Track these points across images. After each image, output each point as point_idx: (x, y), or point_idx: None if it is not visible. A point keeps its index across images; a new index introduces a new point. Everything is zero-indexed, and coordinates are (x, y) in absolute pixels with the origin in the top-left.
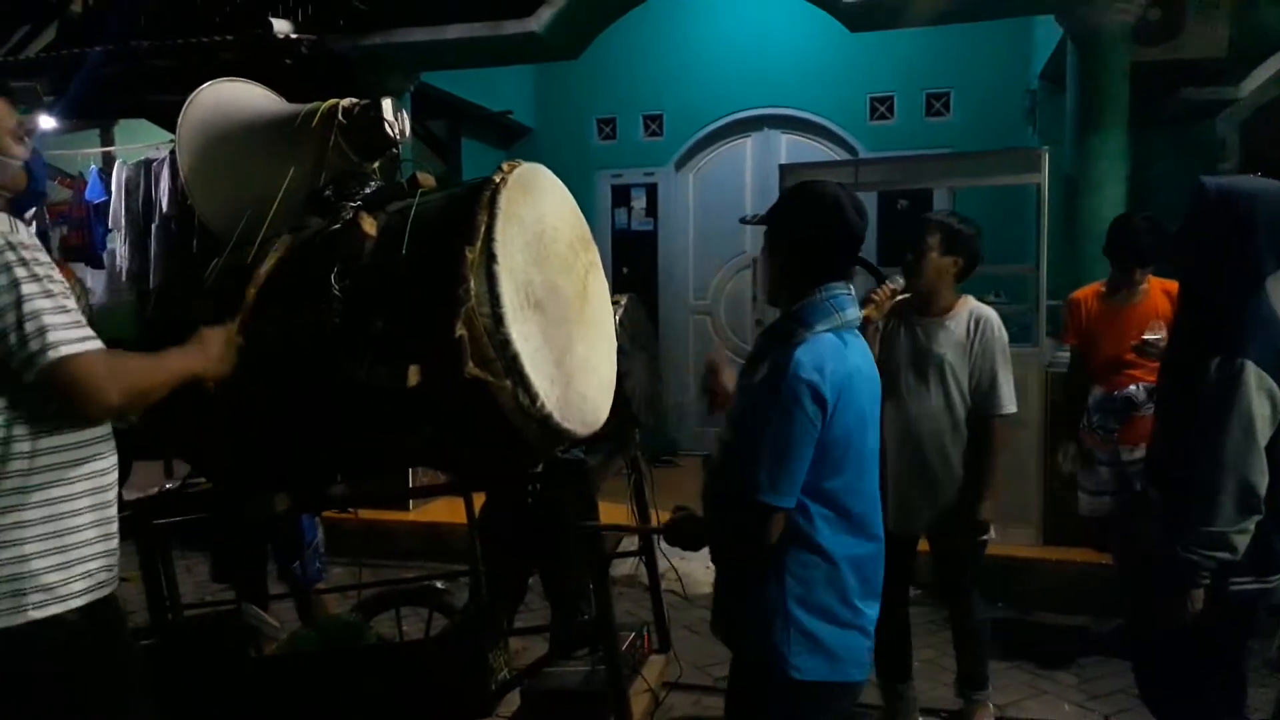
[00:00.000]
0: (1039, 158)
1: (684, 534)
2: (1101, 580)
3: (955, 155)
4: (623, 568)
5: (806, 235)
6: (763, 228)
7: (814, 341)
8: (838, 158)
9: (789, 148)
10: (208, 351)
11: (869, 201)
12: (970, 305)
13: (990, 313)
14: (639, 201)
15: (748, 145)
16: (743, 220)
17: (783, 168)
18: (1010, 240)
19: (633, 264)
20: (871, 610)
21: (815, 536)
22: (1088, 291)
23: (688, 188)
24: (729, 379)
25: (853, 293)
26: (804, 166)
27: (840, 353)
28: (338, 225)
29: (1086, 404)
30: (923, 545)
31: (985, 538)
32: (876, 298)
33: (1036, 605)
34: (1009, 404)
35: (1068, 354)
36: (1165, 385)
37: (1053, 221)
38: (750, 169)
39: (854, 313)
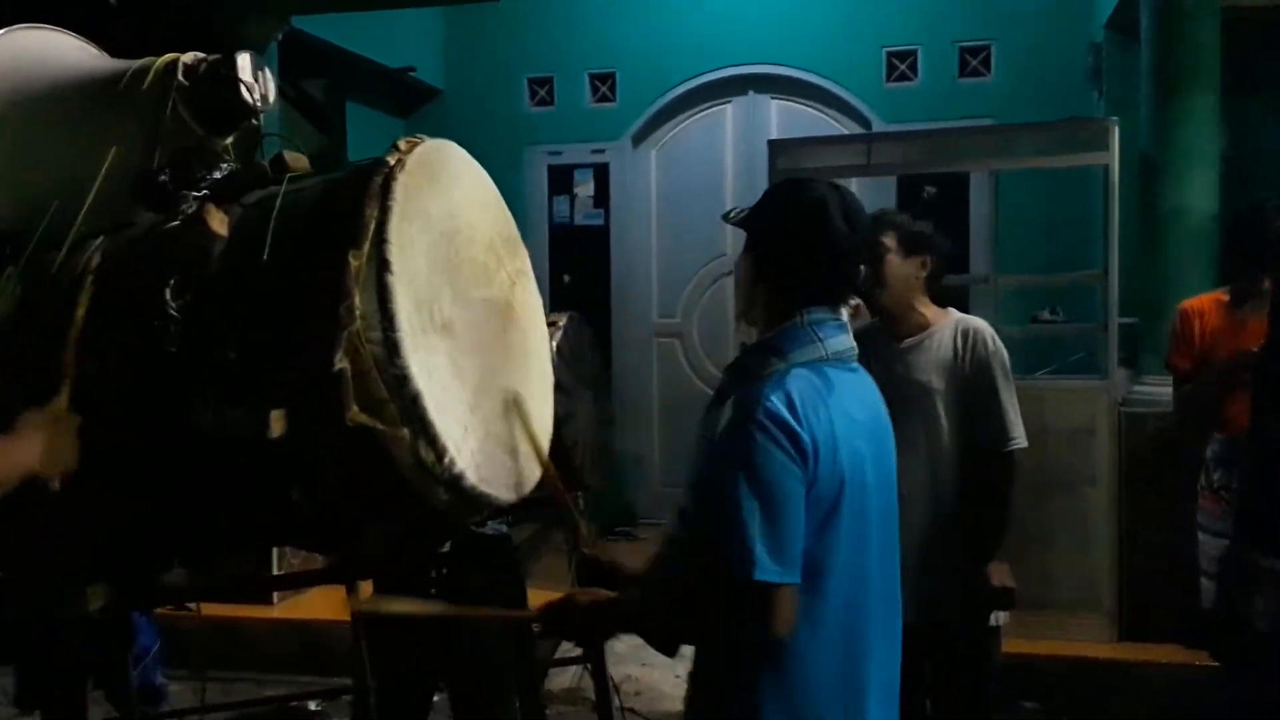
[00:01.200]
0: (1106, 131)
1: (568, 621)
2: (1196, 686)
3: (997, 128)
4: (562, 679)
5: (783, 247)
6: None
7: (787, 377)
8: (845, 131)
9: (781, 118)
10: (33, 448)
11: (885, 189)
12: (954, 317)
13: (980, 323)
14: (585, 187)
15: (727, 114)
16: (726, 218)
17: (773, 145)
18: (1069, 240)
19: (577, 271)
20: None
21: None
22: (1205, 302)
23: (649, 169)
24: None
25: (845, 319)
26: (800, 143)
27: (819, 394)
28: (176, 222)
29: (1205, 455)
30: None
31: (997, 614)
32: None
33: None
34: (1016, 435)
35: (1156, 389)
36: (1265, 423)
37: (1125, 214)
38: (731, 145)
39: (843, 343)
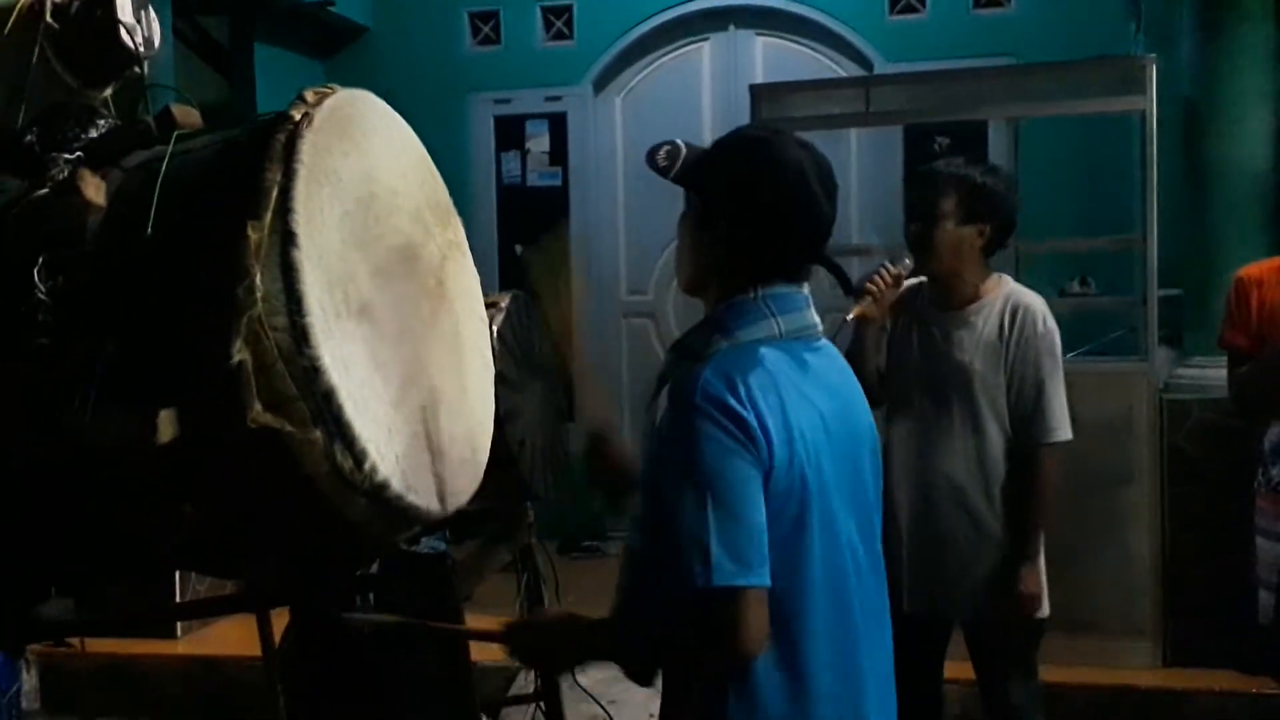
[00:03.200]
0: (1143, 71)
1: (535, 642)
2: (1257, 716)
3: (1018, 69)
4: None
5: (748, 216)
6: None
7: (729, 353)
8: (841, 73)
9: (767, 58)
10: None
11: (890, 139)
12: (1005, 290)
13: (1034, 300)
14: (538, 142)
15: (704, 54)
16: (653, 162)
17: (756, 90)
18: (1102, 199)
19: (531, 240)
20: None
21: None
22: (1264, 269)
23: (614, 119)
24: (626, 452)
25: (806, 290)
26: (788, 87)
27: (769, 374)
28: (45, 190)
29: (1260, 448)
30: None
31: (1038, 615)
32: (874, 287)
33: None
34: (1060, 428)
35: (1203, 371)
36: None
37: (1165, 169)
38: (709, 90)
39: (802, 320)
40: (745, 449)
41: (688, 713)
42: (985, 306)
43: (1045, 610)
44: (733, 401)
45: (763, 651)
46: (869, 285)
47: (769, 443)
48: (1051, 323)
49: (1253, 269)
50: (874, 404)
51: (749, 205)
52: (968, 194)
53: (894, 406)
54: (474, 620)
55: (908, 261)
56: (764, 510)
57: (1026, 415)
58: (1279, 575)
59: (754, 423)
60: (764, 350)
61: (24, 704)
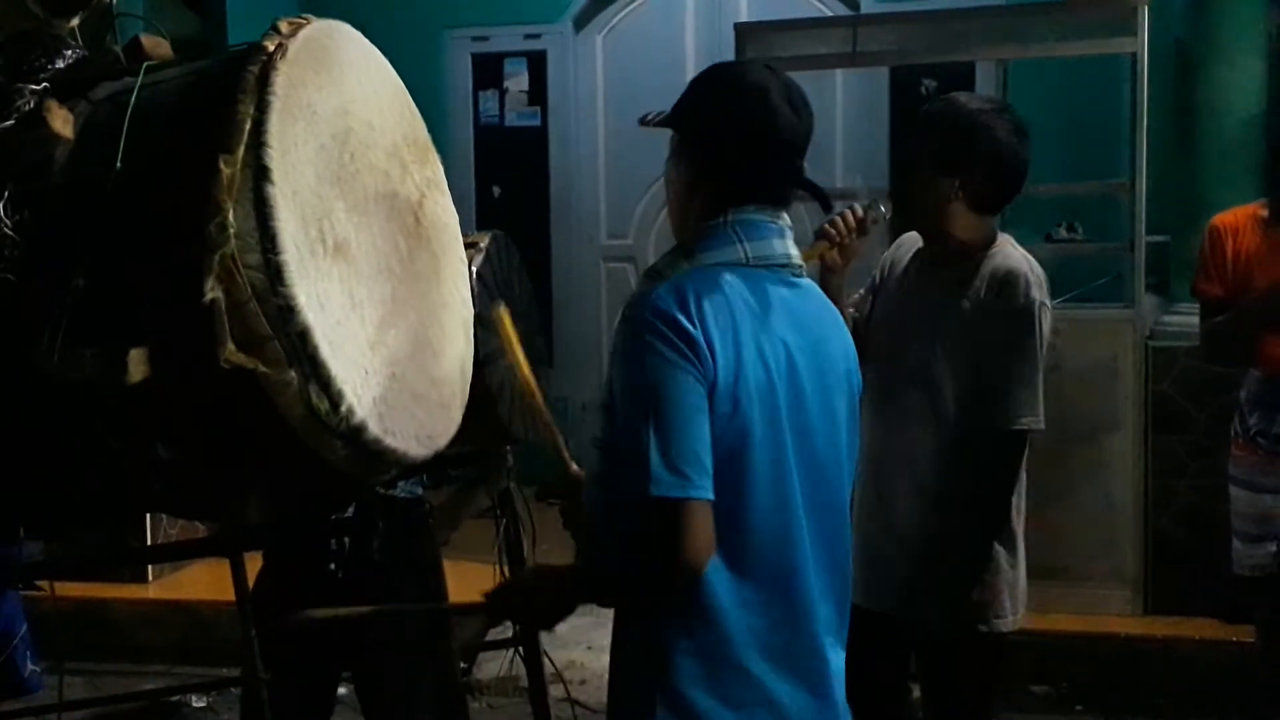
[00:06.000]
0: (1135, 12)
1: (519, 603)
2: (1235, 667)
3: (1008, 10)
4: (493, 665)
5: (714, 140)
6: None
7: (688, 274)
8: (827, 12)
9: None
10: None
11: (876, 81)
12: (996, 258)
13: (1020, 268)
14: (517, 81)
15: None
16: (644, 121)
17: (741, 29)
18: (1090, 143)
19: (508, 181)
20: (781, 687)
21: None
22: (1239, 216)
23: (594, 59)
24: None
25: (783, 221)
26: (773, 27)
27: (724, 296)
28: (10, 122)
29: (1238, 396)
30: None
31: (981, 628)
32: (832, 230)
33: (1138, 706)
34: (1023, 415)
35: (1189, 318)
36: None
37: (1155, 113)
38: (692, 30)
39: (771, 248)
40: (690, 364)
41: (636, 628)
42: (971, 271)
43: (1003, 623)
44: (680, 317)
45: (707, 563)
46: (826, 227)
47: (714, 362)
48: (1037, 294)
49: (1227, 216)
50: None
51: (709, 123)
52: (949, 138)
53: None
54: (451, 566)
55: (883, 208)
56: (708, 425)
57: (988, 395)
58: (1255, 525)
59: (700, 340)
60: (725, 274)
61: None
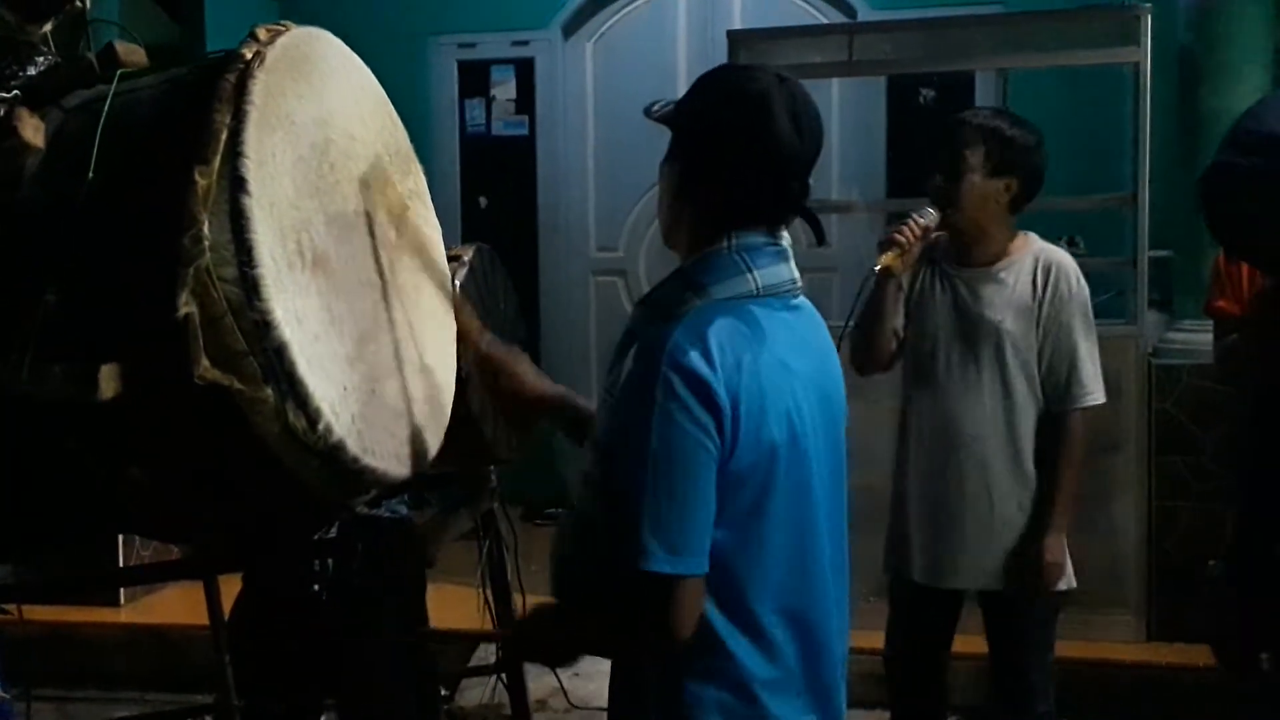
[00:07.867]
0: (1138, 21)
1: (542, 640)
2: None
3: (1008, 18)
4: (475, 692)
5: (711, 151)
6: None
7: (704, 313)
8: (823, 19)
9: (745, 3)
10: None
11: (873, 90)
12: (1034, 248)
13: (1063, 259)
14: (504, 89)
15: None
16: (649, 112)
17: (734, 36)
18: (1092, 155)
19: (495, 192)
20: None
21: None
22: None
23: (584, 67)
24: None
25: (784, 245)
26: (767, 34)
27: (747, 340)
28: None
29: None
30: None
31: (1061, 587)
32: (902, 238)
33: None
34: (1094, 390)
35: (1194, 335)
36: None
37: (1158, 125)
38: (684, 37)
39: (779, 275)
40: (706, 435)
41: (653, 676)
42: (1015, 264)
43: (1070, 582)
44: (703, 369)
45: (691, 631)
46: (897, 235)
47: (736, 418)
48: (1084, 282)
49: None
50: (886, 365)
51: (701, 126)
52: (997, 146)
53: (917, 366)
54: (433, 589)
55: (932, 213)
56: (713, 496)
57: (1060, 378)
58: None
59: (724, 398)
60: (742, 313)
61: None
